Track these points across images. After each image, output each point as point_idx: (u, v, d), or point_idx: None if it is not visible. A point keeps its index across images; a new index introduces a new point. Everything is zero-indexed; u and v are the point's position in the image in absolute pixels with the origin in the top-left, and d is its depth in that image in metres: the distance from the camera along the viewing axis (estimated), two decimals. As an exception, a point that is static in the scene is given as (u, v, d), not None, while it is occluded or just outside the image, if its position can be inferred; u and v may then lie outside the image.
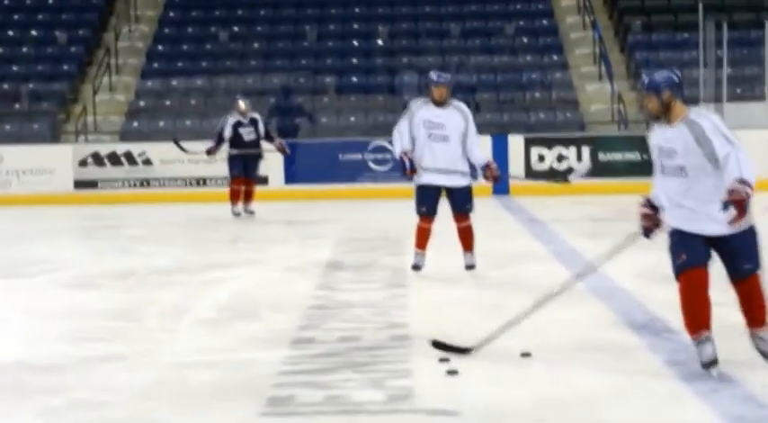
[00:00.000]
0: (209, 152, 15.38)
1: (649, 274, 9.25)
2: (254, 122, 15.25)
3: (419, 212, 9.51)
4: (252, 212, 15.26)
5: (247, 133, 15.17)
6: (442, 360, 5.92)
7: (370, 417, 5.08)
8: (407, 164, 9.30)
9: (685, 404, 5.17)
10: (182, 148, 16.22)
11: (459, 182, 9.40)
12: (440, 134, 9.28)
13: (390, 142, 9.84)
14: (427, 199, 9.44)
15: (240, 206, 15.26)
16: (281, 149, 15.57)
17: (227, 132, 15.10)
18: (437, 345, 5.93)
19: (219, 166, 16.02)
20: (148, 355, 6.50)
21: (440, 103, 9.33)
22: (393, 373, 5.82)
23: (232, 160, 15.34)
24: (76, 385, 5.76)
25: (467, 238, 9.62)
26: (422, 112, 9.35)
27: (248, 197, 15.30)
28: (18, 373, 6.08)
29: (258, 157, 15.47)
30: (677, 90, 5.69)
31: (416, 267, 9.55)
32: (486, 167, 9.35)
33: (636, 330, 6.85)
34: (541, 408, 5.14)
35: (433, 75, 9.42)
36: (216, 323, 7.51)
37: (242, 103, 15.32)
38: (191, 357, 6.41)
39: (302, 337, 6.89)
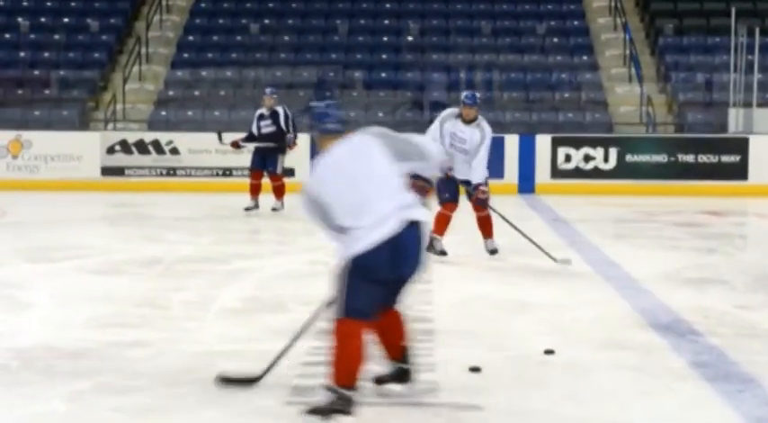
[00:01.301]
0: (233, 144, 15.36)
1: (674, 276, 9.28)
2: (273, 115, 14.93)
3: (442, 200, 10.08)
4: (276, 209, 14.85)
5: (265, 126, 14.90)
6: (473, 369, 5.86)
7: (394, 409, 5.11)
8: None
9: (709, 405, 5.17)
10: (222, 141, 15.93)
11: (476, 177, 10.06)
12: (461, 147, 10.08)
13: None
14: (449, 187, 10.07)
15: (253, 201, 14.89)
16: (288, 144, 15.02)
17: (253, 125, 15.03)
18: (224, 380, 5.43)
19: (246, 157, 16.06)
20: (174, 342, 6.55)
21: (467, 121, 10.11)
22: (417, 367, 5.84)
23: (253, 154, 15.15)
24: (103, 370, 5.80)
25: (486, 226, 10.29)
26: (449, 124, 10.15)
27: (274, 193, 14.94)
28: (45, 357, 6.13)
29: (276, 150, 14.93)
30: None
31: (443, 252, 10.11)
32: (476, 188, 10.00)
33: (660, 331, 6.85)
34: (564, 406, 5.16)
35: (465, 97, 10.16)
36: (241, 313, 7.55)
37: (265, 97, 15.15)
38: (216, 346, 6.45)
39: (326, 328, 6.91)
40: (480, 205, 10.12)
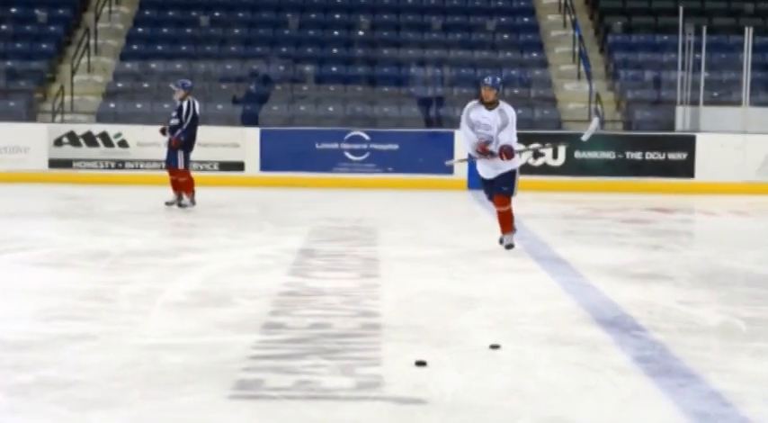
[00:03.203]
0: (162, 131, 15.02)
1: (620, 272, 9.35)
2: (179, 109, 14.59)
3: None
4: (169, 204, 14.63)
5: (171, 119, 14.63)
6: (419, 363, 5.87)
7: (338, 403, 5.11)
8: (477, 156, 10.32)
9: (650, 400, 5.22)
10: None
11: (503, 168, 10.33)
12: (486, 134, 10.22)
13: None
14: (484, 186, 10.62)
15: (174, 196, 14.68)
16: (176, 138, 14.47)
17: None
18: None
19: (196, 151, 15.95)
20: (120, 335, 6.51)
21: (488, 105, 10.23)
22: (363, 361, 5.86)
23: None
24: (47, 363, 5.76)
25: (504, 222, 10.55)
26: (473, 114, 10.30)
27: (176, 188, 14.65)
28: (-12, 349, 6.09)
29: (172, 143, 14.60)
30: None
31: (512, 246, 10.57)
32: (501, 148, 10.16)
33: (605, 327, 6.91)
34: (508, 400, 5.18)
35: (486, 79, 10.38)
36: (188, 307, 7.52)
37: (173, 89, 14.87)
38: (162, 339, 6.42)
39: (273, 322, 6.92)
40: (508, 153, 10.13)
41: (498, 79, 10.49)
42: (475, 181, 17.93)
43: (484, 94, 10.21)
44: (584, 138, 10.70)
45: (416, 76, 21.80)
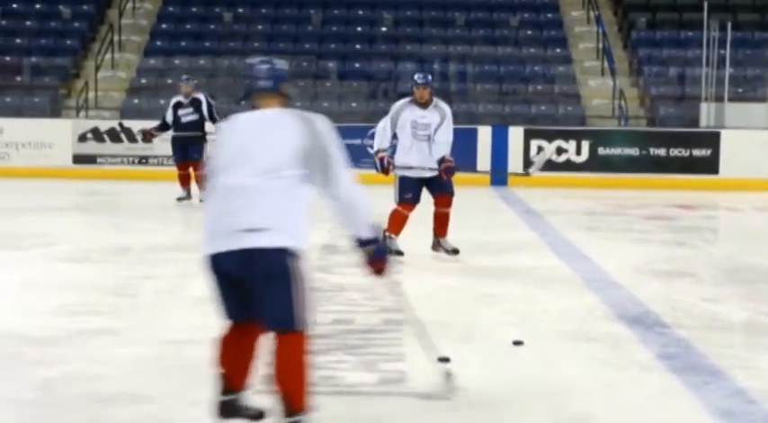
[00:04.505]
0: (144, 135, 15.15)
1: (643, 269, 9.32)
2: (194, 103, 14.57)
3: (403, 199, 9.66)
4: (181, 199, 14.58)
5: (185, 114, 14.57)
6: (442, 360, 5.87)
7: (361, 398, 5.12)
8: (378, 164, 9.61)
9: (675, 397, 5.20)
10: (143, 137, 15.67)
11: (442, 151, 9.57)
12: (424, 134, 9.57)
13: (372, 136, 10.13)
14: (413, 187, 9.65)
15: (184, 191, 14.61)
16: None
17: (168, 114, 14.68)
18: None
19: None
20: (143, 330, 6.54)
21: (423, 105, 9.56)
22: (386, 357, 5.87)
23: (172, 143, 14.92)
24: (72, 358, 5.80)
25: (443, 224, 9.78)
26: (406, 113, 9.58)
27: (198, 182, 14.14)
28: (13, 344, 6.11)
29: (198, 139, 14.60)
30: None
31: (400, 252, 9.54)
32: (443, 160, 9.49)
33: (628, 323, 6.88)
34: (531, 396, 5.18)
35: (417, 77, 9.65)
36: (210, 302, 7.51)
37: (182, 84, 14.82)
38: (185, 334, 6.43)
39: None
40: (449, 173, 9.54)
41: (430, 76, 9.87)
42: (498, 178, 18.01)
43: (419, 95, 9.52)
44: (531, 171, 10.31)
45: (409, 71, 21.76)
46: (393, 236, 9.60)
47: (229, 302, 4.52)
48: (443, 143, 9.54)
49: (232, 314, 4.54)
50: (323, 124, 4.51)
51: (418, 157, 9.59)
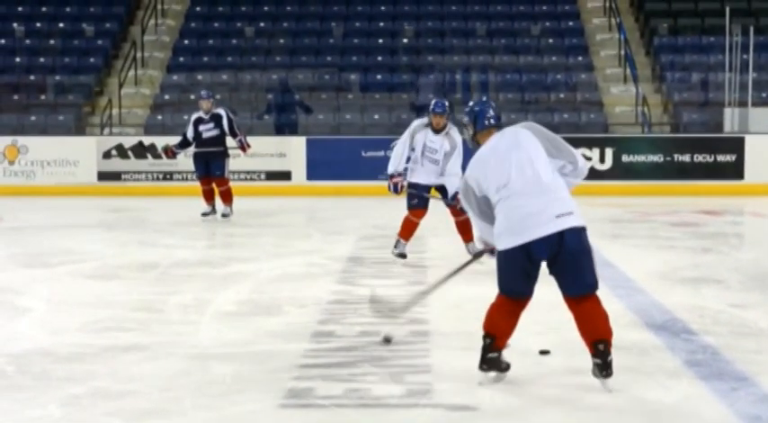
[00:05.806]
0: (166, 152, 15.21)
1: (669, 275, 9.29)
2: (215, 118, 14.43)
3: (411, 206, 10.24)
4: (226, 215, 14.38)
5: (207, 130, 14.43)
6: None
7: (389, 410, 5.12)
8: (392, 187, 10.30)
9: (703, 404, 5.19)
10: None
11: (452, 185, 9.98)
12: (432, 158, 10.16)
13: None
14: (419, 194, 10.25)
15: (209, 207, 14.51)
16: (241, 146, 14.62)
17: (189, 130, 14.57)
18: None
19: (242, 161, 15.94)
20: (170, 346, 6.56)
21: (437, 131, 10.12)
22: (412, 368, 5.87)
23: (194, 159, 14.78)
24: (99, 375, 5.82)
25: (465, 230, 10.26)
26: (420, 135, 10.17)
27: (223, 198, 14.41)
28: (41, 361, 6.14)
29: (220, 154, 14.44)
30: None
31: (403, 255, 10.22)
32: (454, 197, 9.86)
33: (655, 330, 6.87)
34: (559, 406, 5.17)
35: (435, 106, 10.16)
36: (237, 316, 7.56)
37: (202, 100, 14.68)
38: (212, 349, 6.46)
39: (322, 330, 6.94)
40: (462, 211, 9.85)
41: (446, 103, 10.28)
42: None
43: (435, 122, 10.06)
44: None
45: (428, 83, 21.80)
46: (403, 241, 10.24)
47: (530, 282, 5.71)
48: (455, 176, 9.90)
49: (526, 292, 5.72)
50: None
51: (426, 176, 10.22)
